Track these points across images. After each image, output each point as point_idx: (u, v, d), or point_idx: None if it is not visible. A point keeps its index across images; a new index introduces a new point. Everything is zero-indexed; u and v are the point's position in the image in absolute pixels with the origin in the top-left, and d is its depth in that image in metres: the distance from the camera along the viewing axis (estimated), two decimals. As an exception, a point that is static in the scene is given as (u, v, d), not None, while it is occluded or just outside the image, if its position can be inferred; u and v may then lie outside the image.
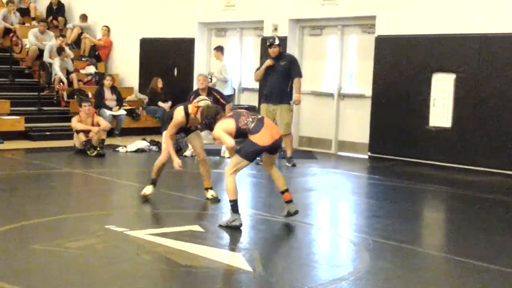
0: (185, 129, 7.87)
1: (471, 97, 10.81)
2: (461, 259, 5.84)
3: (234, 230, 6.81)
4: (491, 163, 10.61)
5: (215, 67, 13.91)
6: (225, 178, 6.73)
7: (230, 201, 6.65)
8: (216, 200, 7.89)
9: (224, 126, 6.67)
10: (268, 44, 10.99)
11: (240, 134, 6.69)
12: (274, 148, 6.79)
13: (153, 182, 7.83)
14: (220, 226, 6.67)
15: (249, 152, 6.63)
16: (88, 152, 11.26)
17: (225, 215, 7.07)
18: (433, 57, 11.21)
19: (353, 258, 5.96)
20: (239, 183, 9.58)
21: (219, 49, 13.75)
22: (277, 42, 10.85)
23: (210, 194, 7.95)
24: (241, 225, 6.60)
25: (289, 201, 6.99)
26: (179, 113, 7.50)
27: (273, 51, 10.85)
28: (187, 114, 7.48)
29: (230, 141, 6.66)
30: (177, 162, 7.48)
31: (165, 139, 7.63)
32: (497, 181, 9.99)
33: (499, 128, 10.53)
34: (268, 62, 10.87)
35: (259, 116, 6.85)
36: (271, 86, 10.88)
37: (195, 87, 13.05)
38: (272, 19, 13.35)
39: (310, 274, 5.44)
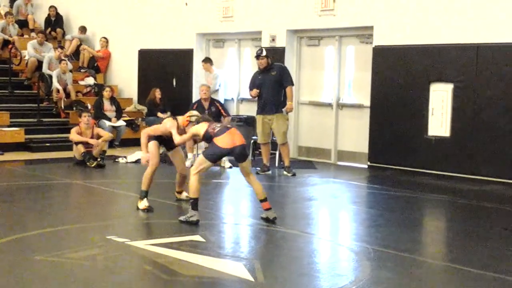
0: (168, 143, 8.01)
1: (469, 106, 10.86)
2: (462, 267, 5.86)
3: (235, 240, 6.84)
4: (489, 172, 10.64)
5: (207, 78, 13.90)
6: (189, 177, 7.25)
7: (191, 198, 7.15)
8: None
9: (195, 129, 7.44)
10: (255, 56, 11.15)
11: (206, 138, 7.33)
12: (237, 155, 7.23)
13: (146, 195, 7.91)
14: (180, 221, 7.10)
15: (210, 153, 7.22)
16: (88, 163, 11.29)
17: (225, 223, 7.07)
18: (431, 67, 11.26)
19: (354, 267, 5.97)
20: (239, 192, 9.62)
21: (208, 60, 13.79)
22: (264, 53, 10.99)
23: (184, 195, 8.32)
24: (198, 221, 7.05)
25: (268, 209, 7.36)
26: (168, 122, 7.82)
27: (260, 62, 11.02)
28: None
29: (177, 140, 7.60)
30: (145, 157, 7.90)
31: (142, 135, 7.97)
32: (495, 190, 10.02)
33: (497, 137, 10.56)
34: (253, 94, 11.15)
35: (229, 126, 7.56)
36: (265, 97, 11.01)
37: (194, 98, 13.10)
38: (270, 29, 13.41)
39: (311, 283, 5.45)
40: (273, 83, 10.96)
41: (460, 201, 9.19)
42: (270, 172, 11.08)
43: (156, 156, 7.86)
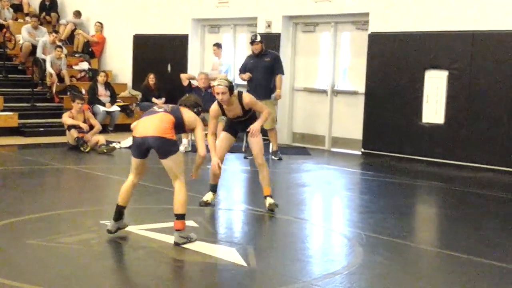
0: (239, 126, 7.29)
1: (463, 94, 10.86)
2: (453, 253, 5.89)
3: (228, 225, 6.85)
4: (483, 159, 10.67)
5: (213, 63, 13.89)
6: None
7: (118, 206, 6.05)
8: (273, 206, 7.13)
9: None
10: (250, 41, 11.31)
11: None
12: (152, 148, 5.89)
13: (211, 189, 7.38)
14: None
15: (132, 146, 6.20)
16: (82, 148, 11.28)
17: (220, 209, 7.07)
18: (426, 54, 11.25)
19: (347, 252, 6.00)
20: (233, 178, 9.63)
21: (219, 45, 13.79)
22: (258, 38, 11.19)
23: (267, 202, 7.16)
24: (109, 231, 5.97)
25: (177, 230, 5.84)
26: (213, 105, 7.13)
27: (255, 47, 11.18)
28: (219, 103, 7.03)
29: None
30: (215, 161, 6.87)
31: (208, 137, 6.93)
32: (488, 177, 10.06)
33: (491, 124, 10.58)
34: (245, 77, 11.24)
35: (159, 109, 6.00)
36: (256, 82, 11.17)
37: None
38: (265, 15, 13.37)
39: (304, 268, 5.48)
40: (265, 69, 11.11)
41: (453, 188, 9.23)
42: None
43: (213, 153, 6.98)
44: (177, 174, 5.93)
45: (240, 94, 7.11)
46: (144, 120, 5.95)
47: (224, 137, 7.31)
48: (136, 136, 5.90)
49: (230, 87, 6.87)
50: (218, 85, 6.86)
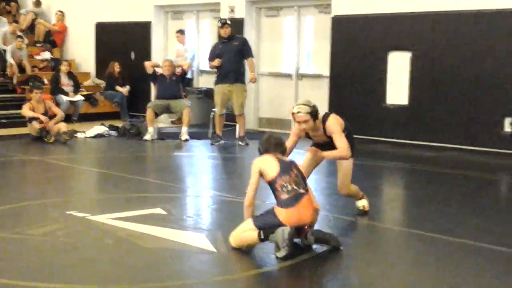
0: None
1: (427, 75, 10.98)
2: (421, 232, 5.97)
3: (196, 212, 6.83)
4: (447, 139, 10.81)
5: (177, 49, 13.81)
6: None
7: None
8: (362, 212, 6.57)
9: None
10: (220, 24, 11.21)
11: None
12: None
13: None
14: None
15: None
16: (46, 139, 11.13)
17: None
18: (389, 36, 11.34)
19: (315, 235, 6.02)
20: (200, 165, 9.60)
21: (182, 32, 13.71)
22: (228, 22, 11.13)
23: (361, 204, 6.63)
24: None
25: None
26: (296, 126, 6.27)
27: (225, 31, 11.12)
28: None
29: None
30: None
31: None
32: (453, 156, 10.20)
33: (455, 105, 10.72)
34: (216, 63, 11.06)
35: (301, 191, 5.57)
36: (227, 66, 11.07)
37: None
38: (228, 0, 13.31)
39: (273, 252, 5.48)
40: (234, 53, 11.06)
41: (418, 168, 9.33)
42: (222, 142, 11.10)
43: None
44: None
45: (325, 117, 6.10)
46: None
47: (308, 156, 6.58)
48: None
49: (313, 113, 5.89)
50: (298, 112, 5.86)
